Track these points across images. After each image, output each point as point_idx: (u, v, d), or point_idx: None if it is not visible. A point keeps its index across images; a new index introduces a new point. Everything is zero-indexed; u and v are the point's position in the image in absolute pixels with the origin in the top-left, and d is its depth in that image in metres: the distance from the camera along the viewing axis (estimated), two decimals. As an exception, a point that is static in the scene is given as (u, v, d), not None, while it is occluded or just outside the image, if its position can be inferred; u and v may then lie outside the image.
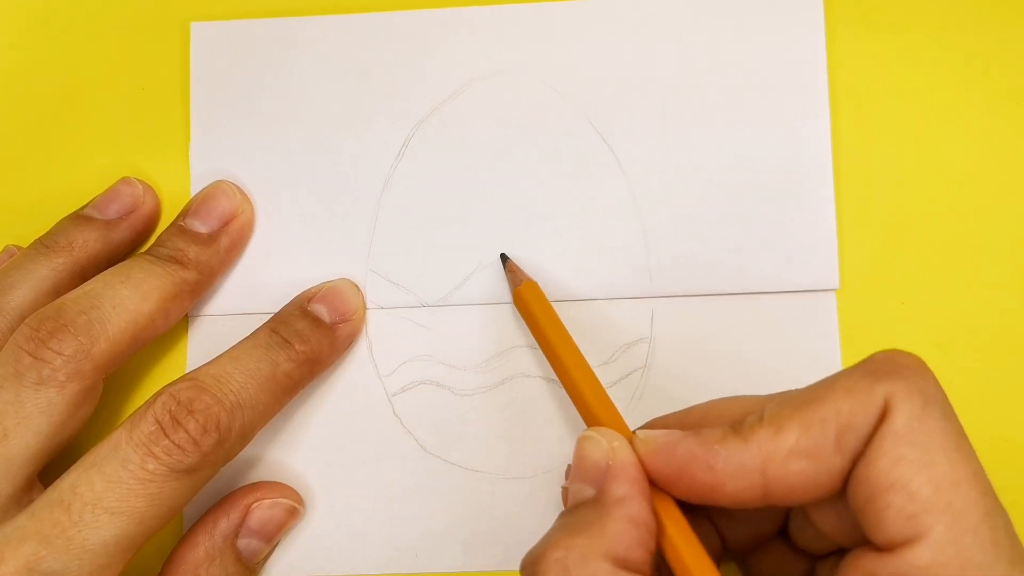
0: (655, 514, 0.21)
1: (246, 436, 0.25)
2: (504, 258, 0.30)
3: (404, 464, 0.29)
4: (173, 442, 0.23)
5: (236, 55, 0.31)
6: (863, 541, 0.20)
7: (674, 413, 0.24)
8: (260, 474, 0.30)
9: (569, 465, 0.25)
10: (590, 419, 0.24)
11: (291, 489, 0.29)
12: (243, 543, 0.27)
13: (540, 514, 0.29)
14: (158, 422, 0.24)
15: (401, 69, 0.31)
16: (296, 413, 0.30)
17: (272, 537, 0.28)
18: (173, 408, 0.24)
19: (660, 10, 0.31)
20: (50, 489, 0.23)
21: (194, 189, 0.31)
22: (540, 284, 0.29)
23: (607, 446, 0.22)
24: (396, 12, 0.31)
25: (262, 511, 0.28)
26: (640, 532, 0.21)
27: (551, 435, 0.29)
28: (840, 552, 0.23)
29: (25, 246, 0.29)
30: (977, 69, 0.30)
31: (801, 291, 0.29)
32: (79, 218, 0.29)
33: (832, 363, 0.29)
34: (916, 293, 0.30)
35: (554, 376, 0.29)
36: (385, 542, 0.29)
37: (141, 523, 0.23)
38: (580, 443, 0.22)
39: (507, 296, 0.30)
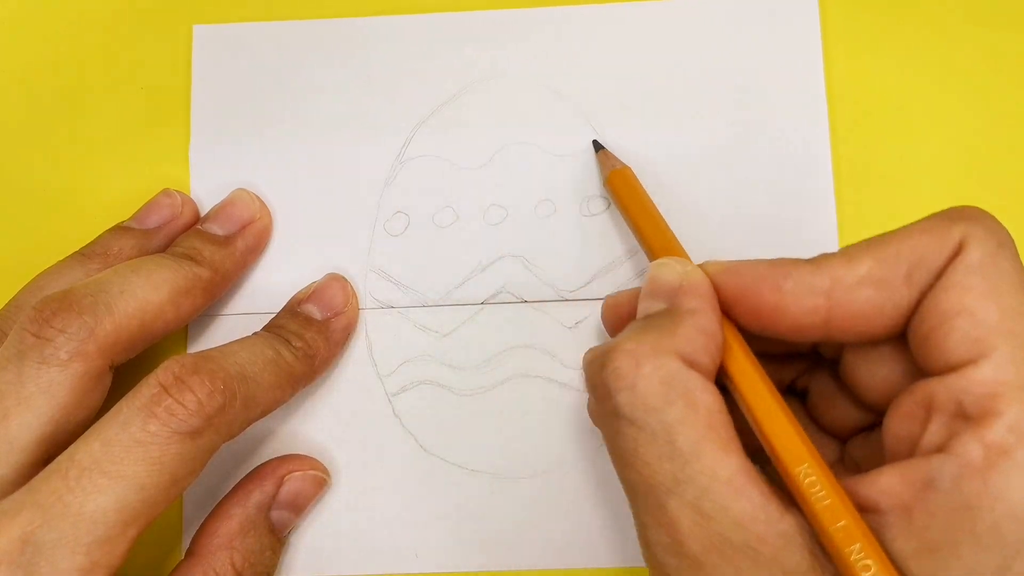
0: (723, 333, 0.22)
1: (250, 411, 0.25)
2: (597, 145, 0.30)
3: (404, 464, 0.29)
4: (176, 400, 0.23)
5: (238, 58, 0.32)
6: (913, 382, 0.20)
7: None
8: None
9: (603, 302, 0.26)
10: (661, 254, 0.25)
11: (319, 461, 0.29)
12: (276, 515, 0.27)
13: (540, 514, 0.29)
14: (161, 384, 0.23)
15: (403, 72, 0.31)
16: (296, 413, 0.30)
17: (303, 509, 0.28)
18: (177, 370, 0.23)
19: (659, 14, 0.31)
20: (51, 464, 0.23)
21: (195, 191, 0.31)
22: (540, 286, 0.30)
23: (680, 269, 0.23)
24: (398, 16, 0.31)
25: (295, 483, 0.28)
26: (708, 341, 0.21)
27: (551, 435, 0.29)
28: (866, 431, 0.24)
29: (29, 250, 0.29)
30: (976, 68, 0.31)
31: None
32: (118, 229, 0.30)
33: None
34: (914, 293, 0.30)
35: (555, 377, 0.29)
36: (385, 542, 0.29)
37: (141, 490, 0.22)
38: (652, 268, 0.23)
39: (506, 296, 0.30)
